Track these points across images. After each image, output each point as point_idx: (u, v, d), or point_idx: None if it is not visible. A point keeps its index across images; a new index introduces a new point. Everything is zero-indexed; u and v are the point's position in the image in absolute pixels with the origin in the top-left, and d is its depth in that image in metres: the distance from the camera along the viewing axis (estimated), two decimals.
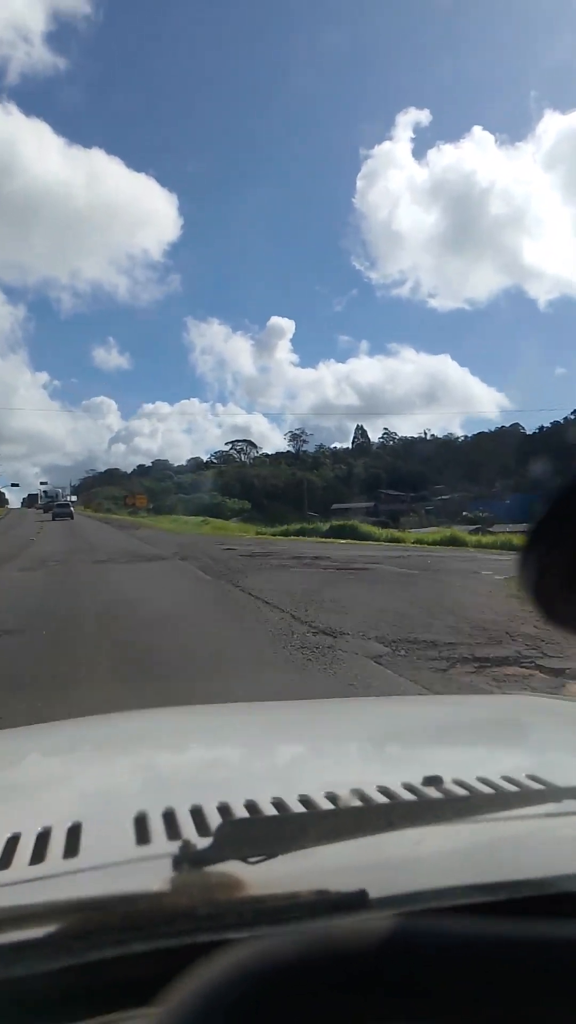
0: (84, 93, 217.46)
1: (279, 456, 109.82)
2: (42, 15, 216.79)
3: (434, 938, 0.42)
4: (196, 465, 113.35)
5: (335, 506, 66.70)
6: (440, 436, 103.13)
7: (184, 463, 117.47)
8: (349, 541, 23.37)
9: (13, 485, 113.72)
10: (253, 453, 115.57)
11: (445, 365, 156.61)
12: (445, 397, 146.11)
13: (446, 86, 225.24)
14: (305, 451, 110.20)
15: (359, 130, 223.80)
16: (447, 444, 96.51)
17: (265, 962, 0.39)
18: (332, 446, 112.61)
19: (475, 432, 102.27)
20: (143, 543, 20.62)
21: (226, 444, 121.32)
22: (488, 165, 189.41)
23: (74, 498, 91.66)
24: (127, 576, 11.59)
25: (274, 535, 29.44)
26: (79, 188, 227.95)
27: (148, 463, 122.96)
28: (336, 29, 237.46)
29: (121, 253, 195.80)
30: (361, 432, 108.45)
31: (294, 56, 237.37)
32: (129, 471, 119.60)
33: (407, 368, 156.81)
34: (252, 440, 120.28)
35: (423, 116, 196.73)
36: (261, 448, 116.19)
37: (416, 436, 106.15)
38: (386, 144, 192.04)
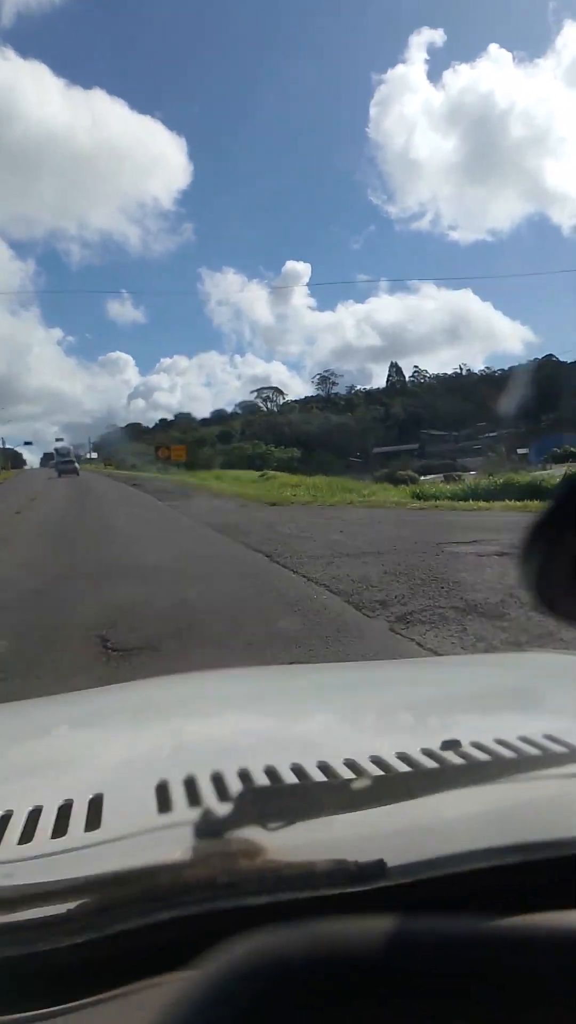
0: (82, 29, 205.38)
1: (309, 400, 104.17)
2: None
3: (436, 937, 0.42)
4: (221, 416, 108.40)
5: (377, 450, 61.36)
6: (476, 372, 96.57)
7: (208, 415, 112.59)
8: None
9: (26, 443, 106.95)
10: (280, 400, 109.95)
11: (467, 300, 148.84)
12: (468, 333, 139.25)
13: (459, 2, 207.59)
14: (336, 394, 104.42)
15: (370, 55, 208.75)
16: (487, 379, 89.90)
17: (274, 955, 0.39)
18: (363, 388, 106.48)
19: (508, 366, 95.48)
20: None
21: (251, 392, 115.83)
22: (506, 85, 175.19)
23: (95, 455, 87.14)
24: None
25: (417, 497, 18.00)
26: (83, 133, 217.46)
27: (171, 417, 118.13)
28: None
29: (130, 201, 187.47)
30: (396, 370, 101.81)
31: None
32: (151, 426, 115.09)
33: (429, 305, 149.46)
34: (278, 387, 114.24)
35: (437, 36, 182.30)
36: (286, 395, 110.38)
37: (451, 373, 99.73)
38: (399, 68, 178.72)
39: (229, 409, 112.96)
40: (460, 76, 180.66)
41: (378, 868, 0.51)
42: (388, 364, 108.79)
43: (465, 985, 0.39)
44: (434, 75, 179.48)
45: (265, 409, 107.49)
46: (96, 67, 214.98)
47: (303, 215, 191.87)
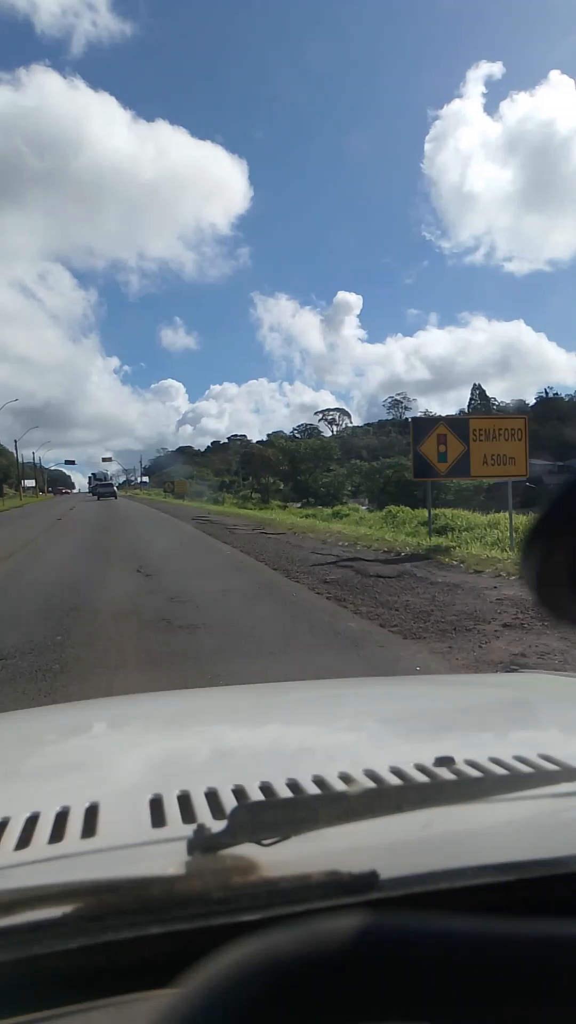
0: (148, 60, 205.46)
1: (385, 424, 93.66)
2: None
3: (434, 936, 0.42)
4: (280, 439, 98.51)
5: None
6: (565, 397, 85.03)
7: (265, 438, 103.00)
8: None
9: (68, 463, 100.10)
10: (345, 423, 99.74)
11: (519, 331, 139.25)
12: (520, 365, 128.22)
13: (518, 34, 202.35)
14: (408, 419, 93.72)
15: (428, 90, 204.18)
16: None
17: (266, 959, 0.39)
18: (434, 413, 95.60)
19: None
20: None
21: (315, 414, 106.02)
22: (568, 110, 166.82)
23: (146, 479, 77.67)
24: None
25: None
26: (146, 163, 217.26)
27: (223, 440, 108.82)
28: None
29: (189, 226, 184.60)
30: (480, 393, 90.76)
31: (362, 18, 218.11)
32: (201, 450, 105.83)
33: (478, 338, 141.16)
34: (344, 409, 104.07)
35: (495, 69, 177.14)
36: (351, 419, 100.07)
37: (540, 396, 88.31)
38: (455, 103, 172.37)
39: (287, 431, 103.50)
40: (519, 105, 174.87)
41: (371, 879, 0.50)
42: (438, 396, 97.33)
43: (464, 985, 0.39)
44: (491, 107, 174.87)
45: (332, 432, 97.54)
46: (162, 93, 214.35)
47: (356, 246, 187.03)
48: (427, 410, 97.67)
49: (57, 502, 51.22)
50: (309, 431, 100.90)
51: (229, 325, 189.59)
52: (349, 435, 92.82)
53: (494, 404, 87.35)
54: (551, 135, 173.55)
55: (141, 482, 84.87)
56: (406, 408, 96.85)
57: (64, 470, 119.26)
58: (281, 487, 56.47)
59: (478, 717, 1.16)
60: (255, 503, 45.18)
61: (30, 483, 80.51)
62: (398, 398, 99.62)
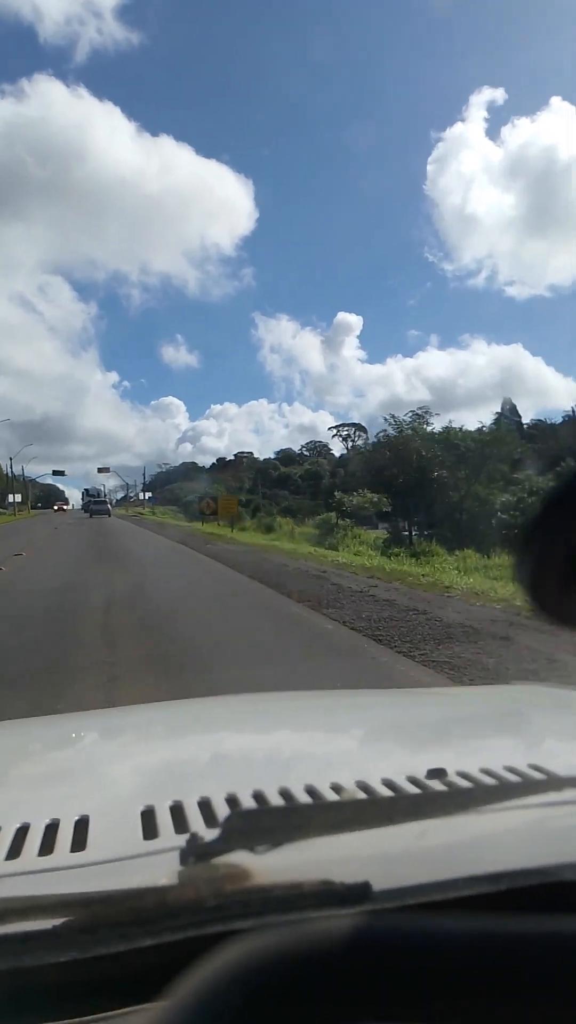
0: (154, 72, 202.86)
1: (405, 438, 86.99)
2: None
3: (431, 936, 0.41)
4: (288, 457, 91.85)
5: None
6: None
7: (273, 455, 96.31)
8: None
9: (55, 473, 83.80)
10: (361, 438, 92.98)
11: (517, 355, 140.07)
12: (519, 388, 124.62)
13: (520, 59, 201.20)
14: (433, 431, 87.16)
15: (430, 113, 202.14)
16: None
17: (262, 959, 0.38)
18: (459, 426, 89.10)
19: None
20: None
21: (329, 429, 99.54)
22: (569, 136, 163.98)
23: (149, 495, 70.28)
24: None
25: None
26: (151, 177, 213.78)
27: (230, 457, 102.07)
28: (408, 14, 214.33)
29: (192, 243, 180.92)
30: (511, 409, 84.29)
31: (367, 41, 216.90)
32: (207, 466, 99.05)
33: (479, 360, 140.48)
34: (361, 424, 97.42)
35: (498, 94, 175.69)
36: (363, 436, 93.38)
37: (567, 416, 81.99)
38: (458, 126, 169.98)
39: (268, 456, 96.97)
40: (520, 130, 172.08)
41: (364, 890, 0.50)
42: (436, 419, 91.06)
43: (461, 983, 0.38)
44: (493, 131, 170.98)
45: (347, 449, 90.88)
46: (167, 107, 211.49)
47: (356, 267, 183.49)
48: (451, 421, 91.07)
49: (36, 523, 39.14)
50: (318, 449, 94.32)
51: (230, 344, 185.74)
52: (366, 451, 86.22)
53: (525, 424, 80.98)
54: (552, 161, 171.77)
55: (149, 498, 76.63)
56: (427, 423, 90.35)
57: (54, 483, 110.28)
58: (385, 508, 33.00)
59: (469, 728, 1.17)
60: (401, 551, 22.13)
61: (17, 497, 70.77)
62: (420, 411, 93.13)
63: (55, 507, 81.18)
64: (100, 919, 0.47)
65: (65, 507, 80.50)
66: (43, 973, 0.46)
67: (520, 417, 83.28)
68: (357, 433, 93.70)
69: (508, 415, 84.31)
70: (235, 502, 30.69)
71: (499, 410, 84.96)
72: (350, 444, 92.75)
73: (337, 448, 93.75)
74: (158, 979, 0.44)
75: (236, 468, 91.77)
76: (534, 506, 0.39)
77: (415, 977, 0.39)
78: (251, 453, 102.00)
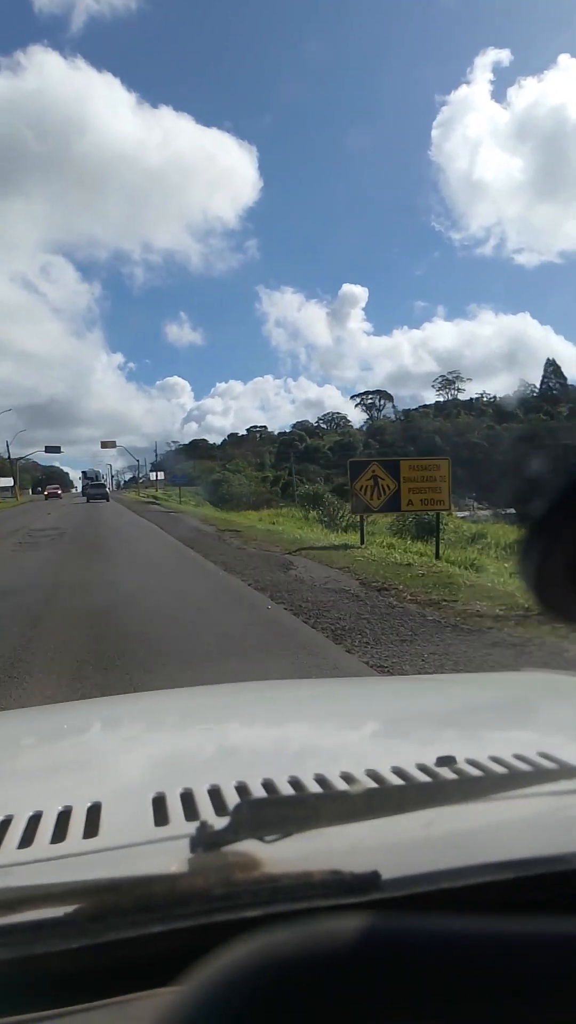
0: (153, 40, 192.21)
1: (445, 406, 79.92)
2: None
3: (434, 936, 0.41)
4: (306, 430, 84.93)
5: None
6: None
7: (289, 428, 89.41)
8: None
9: (50, 449, 68.61)
10: (387, 406, 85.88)
11: (525, 324, 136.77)
12: (527, 358, 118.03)
13: (525, 17, 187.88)
14: (458, 399, 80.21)
15: (433, 76, 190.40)
16: None
17: (272, 956, 0.38)
18: (491, 394, 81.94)
19: None
20: None
21: (352, 398, 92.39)
22: None
23: (160, 474, 63.39)
24: None
25: None
26: (152, 150, 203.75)
27: (242, 432, 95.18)
28: None
29: (196, 217, 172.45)
30: (554, 370, 76.77)
31: (367, 6, 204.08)
32: (218, 443, 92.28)
33: (486, 331, 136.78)
34: (385, 391, 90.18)
35: (503, 55, 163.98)
36: (394, 402, 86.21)
37: None
38: (463, 88, 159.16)
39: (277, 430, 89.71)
40: (527, 91, 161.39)
41: (373, 879, 0.50)
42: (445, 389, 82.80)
43: (464, 984, 0.38)
44: (499, 93, 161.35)
45: (371, 418, 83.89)
46: (167, 75, 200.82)
47: (361, 236, 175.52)
48: (484, 392, 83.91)
49: (15, 514, 29.07)
50: (336, 421, 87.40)
51: (234, 320, 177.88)
52: (393, 420, 78.99)
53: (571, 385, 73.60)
54: (561, 121, 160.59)
55: (152, 479, 68.45)
56: (458, 389, 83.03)
57: (59, 465, 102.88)
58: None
59: (479, 716, 1.16)
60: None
61: (6, 482, 60.90)
62: (450, 377, 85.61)
63: (45, 492, 62.74)
64: (109, 907, 0.47)
65: (59, 492, 62.51)
66: (55, 959, 0.46)
67: (562, 380, 75.94)
68: (383, 400, 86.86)
69: (551, 377, 77.01)
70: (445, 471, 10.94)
71: (542, 373, 77.87)
72: (374, 413, 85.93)
73: (355, 419, 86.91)
74: (169, 967, 0.44)
75: (251, 443, 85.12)
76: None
77: (425, 980, 0.38)
78: (264, 427, 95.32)
